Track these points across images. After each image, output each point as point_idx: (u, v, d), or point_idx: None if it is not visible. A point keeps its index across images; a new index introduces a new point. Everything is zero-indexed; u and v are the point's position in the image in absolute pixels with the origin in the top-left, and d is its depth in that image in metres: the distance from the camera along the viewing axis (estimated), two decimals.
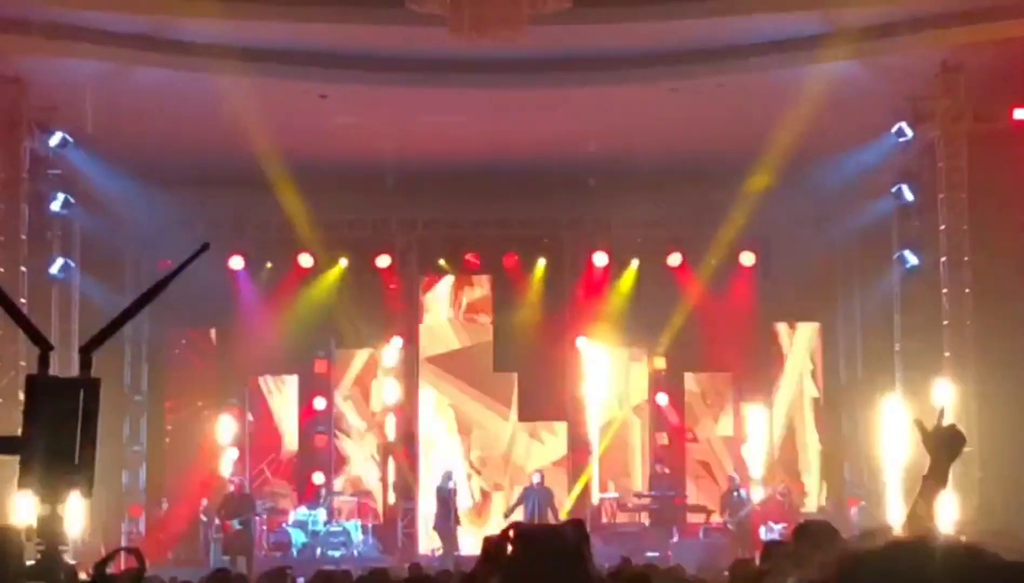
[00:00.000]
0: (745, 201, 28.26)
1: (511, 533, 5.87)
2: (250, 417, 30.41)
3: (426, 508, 29.31)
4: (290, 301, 29.99)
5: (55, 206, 26.19)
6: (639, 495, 30.09)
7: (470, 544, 25.88)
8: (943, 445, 5.74)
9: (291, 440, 30.58)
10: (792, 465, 30.27)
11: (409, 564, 19.14)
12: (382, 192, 28.89)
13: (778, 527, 26.27)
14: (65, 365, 17.56)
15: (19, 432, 3.78)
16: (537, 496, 27.63)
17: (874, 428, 28.72)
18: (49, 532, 3.70)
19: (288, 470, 30.50)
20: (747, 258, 30.24)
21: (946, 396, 24.51)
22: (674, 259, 30.31)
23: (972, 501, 23.79)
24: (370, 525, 29.13)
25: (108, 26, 22.70)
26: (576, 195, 28.87)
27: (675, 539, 28.18)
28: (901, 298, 27.52)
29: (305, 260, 30.23)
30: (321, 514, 28.58)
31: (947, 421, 5.65)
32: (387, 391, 30.58)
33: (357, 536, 28.35)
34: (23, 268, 24.42)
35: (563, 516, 26.91)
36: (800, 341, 30.80)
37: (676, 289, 30.11)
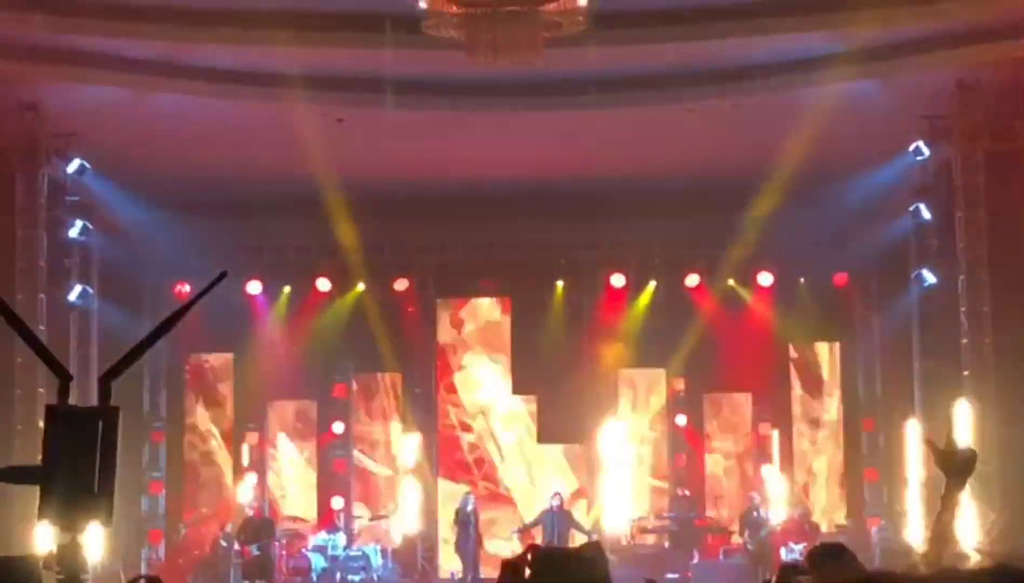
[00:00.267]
0: (760, 222, 28.24)
1: (529, 556, 5.88)
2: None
3: (445, 531, 29.28)
4: (308, 325, 30.01)
5: (73, 233, 26.28)
6: (659, 516, 30.02)
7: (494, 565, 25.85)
8: (956, 465, 5.74)
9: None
10: (811, 485, 30.18)
11: None
12: (399, 216, 28.91)
13: (798, 547, 26.17)
14: (84, 392, 17.59)
15: (39, 462, 3.81)
16: (556, 518, 27.57)
17: (894, 447, 28.68)
18: (69, 561, 3.72)
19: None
20: (765, 278, 30.20)
21: (965, 415, 24.49)
22: (692, 280, 30.30)
23: (992, 519, 23.72)
24: (389, 549, 29.09)
25: (125, 52, 22.79)
26: (593, 216, 28.86)
27: (695, 560, 28.11)
28: (920, 317, 27.48)
29: (323, 284, 30.27)
30: (341, 538, 28.56)
31: (962, 439, 5.66)
32: (406, 413, 30.57)
33: (377, 560, 28.32)
34: (42, 295, 24.51)
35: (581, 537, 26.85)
36: (819, 361, 30.72)
37: (694, 310, 30.09)
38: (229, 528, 28.59)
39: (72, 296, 26.35)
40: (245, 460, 30.16)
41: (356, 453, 30.71)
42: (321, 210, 28.00)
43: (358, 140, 25.58)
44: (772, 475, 29.96)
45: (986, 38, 22.53)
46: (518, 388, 30.76)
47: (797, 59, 23.41)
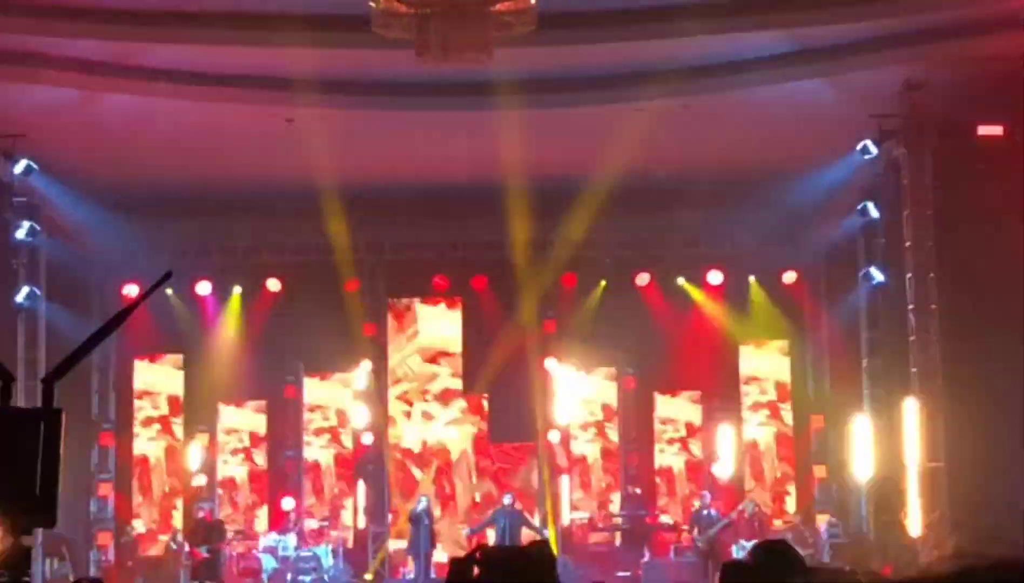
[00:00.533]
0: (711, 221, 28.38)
1: (478, 554, 5.89)
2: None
3: (397, 532, 29.28)
4: (258, 326, 29.93)
5: (20, 234, 26.14)
6: (609, 515, 30.09)
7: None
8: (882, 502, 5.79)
9: None
10: (761, 483, 30.30)
11: None
12: (350, 216, 28.85)
13: (749, 545, 26.24)
14: (33, 395, 17.52)
15: None
16: (507, 518, 27.58)
17: (843, 444, 28.83)
18: (12, 564, 3.69)
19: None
20: (715, 277, 30.31)
21: (913, 412, 24.65)
22: (642, 279, 30.38)
23: (940, 516, 23.87)
24: (340, 549, 29.05)
25: (72, 53, 22.66)
26: (544, 217, 28.87)
27: (646, 558, 28.18)
28: (868, 315, 27.68)
29: (273, 285, 30.21)
30: (291, 539, 28.50)
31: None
32: (356, 415, 30.53)
33: (328, 561, 28.27)
34: None
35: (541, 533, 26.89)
36: (768, 358, 30.84)
37: (644, 309, 30.16)
38: (178, 530, 28.51)
39: (19, 297, 26.21)
40: (195, 462, 30.05)
41: (306, 454, 30.62)
42: (271, 211, 27.97)
43: (307, 140, 25.50)
44: (722, 473, 30.07)
45: (934, 38, 22.66)
46: (469, 388, 30.76)
47: (746, 58, 23.49)
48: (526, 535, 26.93)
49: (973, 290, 24.18)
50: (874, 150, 25.57)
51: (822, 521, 28.64)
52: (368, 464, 30.33)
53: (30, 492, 3.75)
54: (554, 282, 30.44)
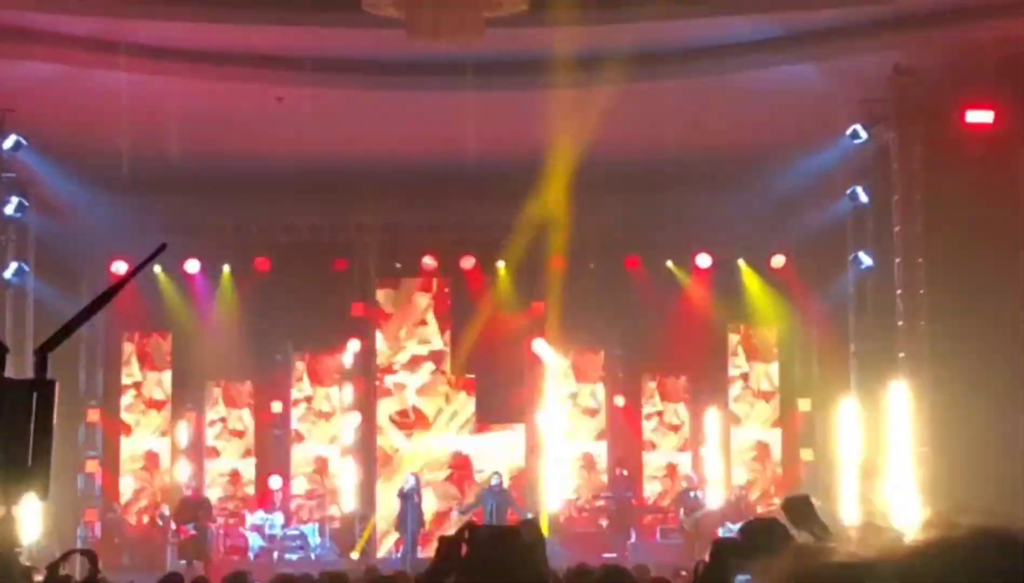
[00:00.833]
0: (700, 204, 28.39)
1: (466, 533, 5.90)
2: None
3: (384, 510, 29.31)
4: (247, 305, 29.90)
5: (9, 210, 26.10)
6: (596, 497, 30.14)
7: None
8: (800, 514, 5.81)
9: None
10: (748, 465, 30.35)
11: (366, 566, 19.11)
12: (339, 195, 28.84)
13: (735, 527, 26.31)
14: (19, 371, 17.45)
15: None
16: (495, 498, 27.62)
17: (830, 428, 28.87)
18: (3, 534, 3.69)
19: None
20: (703, 260, 30.32)
21: (900, 396, 24.71)
22: (631, 262, 30.38)
23: (927, 500, 23.92)
24: (327, 528, 29.08)
25: (62, 28, 22.61)
26: (533, 198, 28.83)
27: (632, 540, 28.24)
28: (856, 299, 27.71)
29: (262, 264, 30.18)
30: (278, 517, 28.53)
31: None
32: (345, 394, 30.55)
33: (315, 539, 28.32)
34: None
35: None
36: (756, 342, 30.87)
37: (633, 292, 30.18)
38: (165, 508, 28.53)
39: (7, 273, 26.17)
40: (183, 440, 30.06)
41: (294, 433, 30.63)
42: (260, 189, 27.95)
43: (298, 119, 25.48)
44: (709, 456, 30.13)
45: (923, 22, 22.68)
46: (457, 368, 30.77)
47: (736, 42, 23.49)
48: (514, 515, 26.97)
49: (962, 275, 24.22)
50: (863, 135, 25.59)
51: None
52: (356, 443, 30.33)
53: (22, 462, 3.75)
54: (543, 264, 30.42)
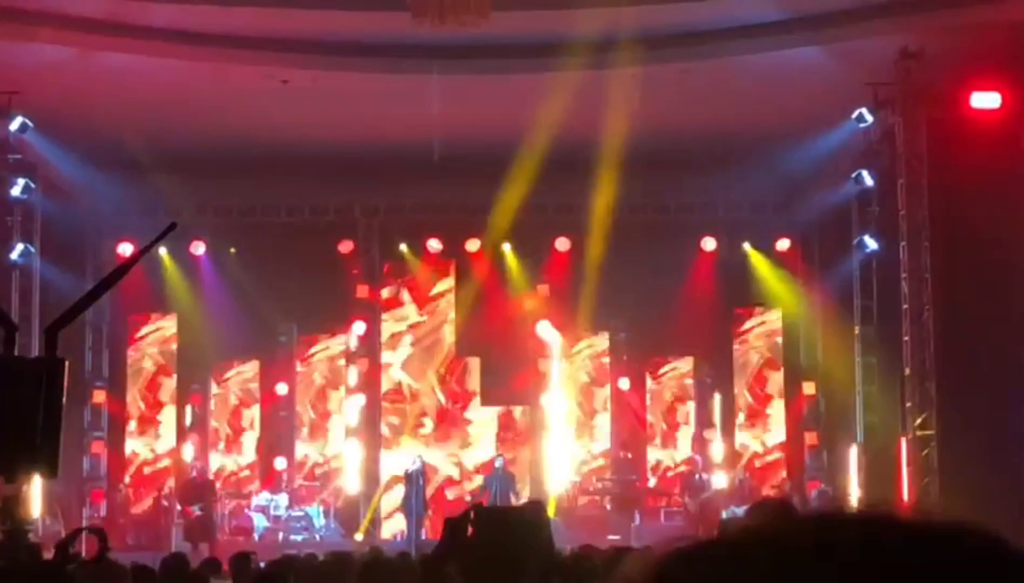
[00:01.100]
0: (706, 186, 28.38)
1: (471, 514, 5.92)
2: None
3: (388, 492, 29.38)
4: (252, 286, 29.90)
5: (15, 191, 26.12)
6: (601, 478, 30.17)
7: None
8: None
9: None
10: (753, 448, 30.37)
11: (370, 547, 19.15)
12: (344, 177, 28.85)
13: (740, 510, 26.36)
14: (25, 351, 17.47)
15: None
16: (500, 481, 27.68)
17: (834, 412, 28.90)
18: (13, 512, 3.71)
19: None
20: (708, 243, 30.32)
21: (904, 381, 24.72)
22: (637, 244, 30.34)
23: (932, 486, 23.95)
24: (332, 509, 29.14)
25: (67, 10, 22.61)
26: (539, 180, 28.83)
27: (637, 522, 28.27)
28: (861, 282, 27.70)
29: (266, 246, 30.16)
30: (283, 498, 28.58)
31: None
32: (349, 376, 30.59)
33: (319, 520, 28.38)
34: None
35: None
36: (761, 325, 30.87)
37: (639, 274, 30.14)
38: (170, 489, 28.59)
39: (14, 255, 26.19)
40: (188, 421, 30.12)
41: (299, 414, 30.69)
42: (266, 171, 27.95)
43: (303, 101, 25.48)
44: (714, 439, 30.15)
45: (930, 5, 22.65)
46: (462, 350, 30.80)
47: (742, 25, 23.46)
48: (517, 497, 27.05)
49: (967, 259, 24.21)
50: (869, 118, 25.56)
51: (812, 489, 28.71)
52: (360, 425, 30.37)
53: (31, 441, 3.77)
54: (548, 246, 30.44)
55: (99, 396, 29.97)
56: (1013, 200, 23.52)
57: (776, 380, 30.66)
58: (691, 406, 30.72)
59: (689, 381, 30.80)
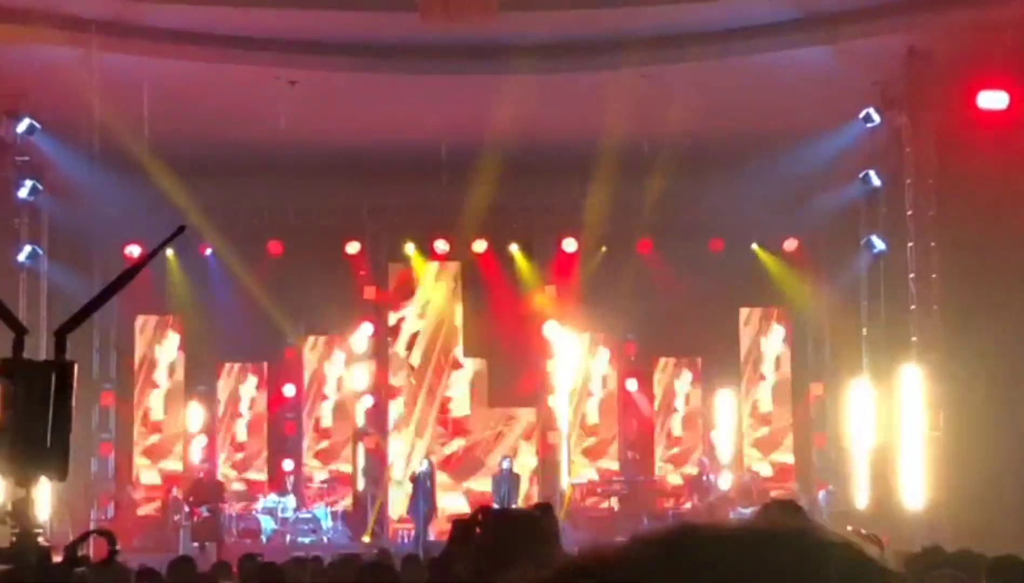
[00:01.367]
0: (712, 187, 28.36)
1: (479, 516, 5.92)
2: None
3: (396, 494, 29.37)
4: (259, 288, 29.91)
5: (23, 193, 26.15)
6: (609, 480, 30.16)
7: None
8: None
9: None
10: (761, 450, 30.35)
11: (378, 550, 19.15)
12: (352, 179, 28.86)
13: (747, 511, 26.35)
14: (32, 353, 17.44)
15: None
16: (507, 482, 27.67)
17: (842, 412, 28.88)
18: (23, 515, 3.71)
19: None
20: (716, 244, 30.29)
21: (912, 380, 24.70)
22: (643, 245, 30.35)
23: (939, 485, 23.92)
24: (340, 511, 29.14)
25: (75, 12, 22.63)
26: (547, 181, 28.86)
27: (645, 523, 28.24)
28: (868, 283, 27.68)
29: (274, 247, 30.20)
30: (291, 501, 28.59)
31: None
32: (357, 377, 30.59)
33: (327, 522, 28.38)
34: None
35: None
36: (768, 326, 30.85)
37: (645, 275, 30.15)
38: (178, 491, 28.58)
39: (21, 256, 26.22)
40: (195, 422, 30.14)
41: (306, 416, 30.69)
42: (273, 172, 27.96)
43: (311, 102, 25.49)
44: (721, 440, 30.13)
45: (938, 5, 22.64)
46: (469, 351, 30.79)
47: (750, 25, 23.46)
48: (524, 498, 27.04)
49: (974, 259, 24.19)
50: (877, 118, 25.56)
51: (820, 489, 28.69)
52: (368, 426, 30.39)
53: (41, 444, 3.77)
54: (555, 247, 30.45)
55: (107, 398, 30.00)
56: (1021, 199, 23.48)
57: (784, 381, 30.63)
58: (698, 406, 30.68)
59: (696, 382, 30.77)
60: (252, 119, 26.30)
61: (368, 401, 30.46)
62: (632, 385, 30.73)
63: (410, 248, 30.73)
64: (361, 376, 30.54)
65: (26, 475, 3.79)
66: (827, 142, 26.51)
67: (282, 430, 30.53)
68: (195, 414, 30.16)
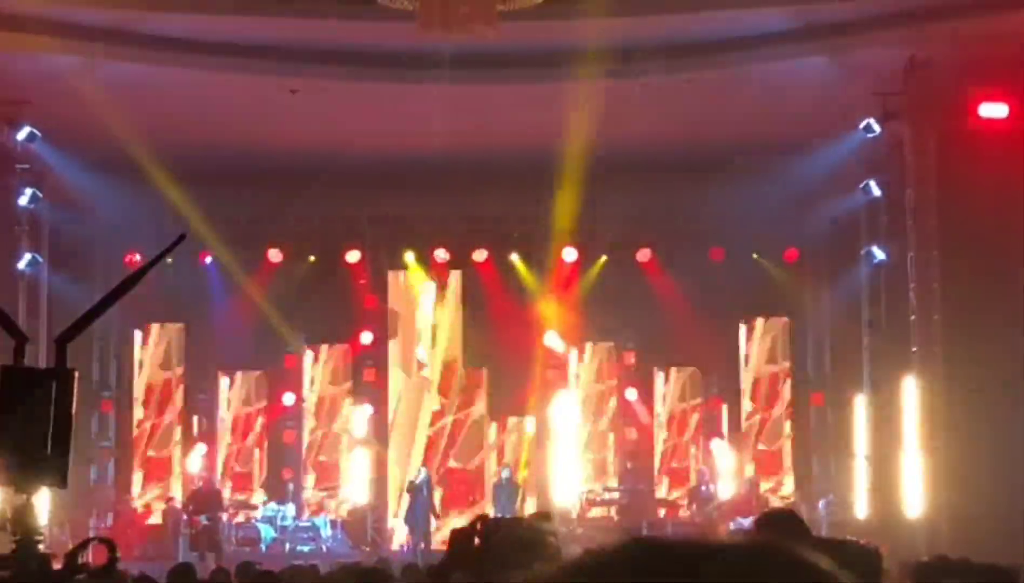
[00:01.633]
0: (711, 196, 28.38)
1: (478, 525, 5.91)
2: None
3: (396, 503, 29.35)
4: (259, 296, 29.92)
5: (23, 201, 26.14)
6: (608, 489, 30.14)
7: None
8: None
9: None
10: (760, 460, 30.33)
11: (376, 559, 19.14)
12: (352, 187, 28.87)
13: (746, 521, 26.32)
14: (32, 361, 17.41)
15: None
16: (506, 492, 27.67)
17: (842, 422, 28.86)
18: (24, 522, 3.71)
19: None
20: (716, 253, 30.27)
21: (913, 391, 24.69)
22: (643, 255, 30.35)
23: (939, 495, 23.90)
24: (339, 520, 29.12)
25: (76, 20, 22.64)
26: (546, 190, 28.85)
27: (644, 533, 28.20)
28: (869, 293, 27.66)
29: (275, 255, 30.21)
30: (290, 509, 28.57)
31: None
32: (356, 385, 30.57)
33: (326, 531, 28.36)
34: None
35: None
36: (769, 336, 30.83)
37: (645, 284, 30.16)
38: (178, 499, 28.57)
39: (21, 264, 26.20)
40: (195, 431, 30.13)
41: (306, 424, 30.68)
42: (274, 181, 27.98)
43: (311, 111, 25.50)
44: (721, 450, 30.12)
45: (939, 15, 22.63)
46: (469, 361, 30.78)
47: (750, 35, 23.46)
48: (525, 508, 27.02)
49: (975, 269, 24.17)
50: (877, 128, 25.55)
51: (820, 499, 28.67)
52: (368, 436, 30.37)
53: (41, 451, 3.77)
54: (555, 257, 30.44)
55: (106, 406, 29.99)
56: (1021, 210, 23.47)
57: (784, 390, 30.61)
58: (698, 416, 30.67)
59: (696, 391, 30.75)
60: (252, 127, 26.30)
61: (368, 410, 30.44)
62: (632, 395, 30.71)
63: (410, 257, 30.73)
64: (361, 384, 30.51)
65: (27, 482, 3.78)
66: (828, 152, 26.50)
67: (282, 438, 30.51)
68: (194, 422, 30.14)
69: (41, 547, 3.88)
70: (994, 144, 23.63)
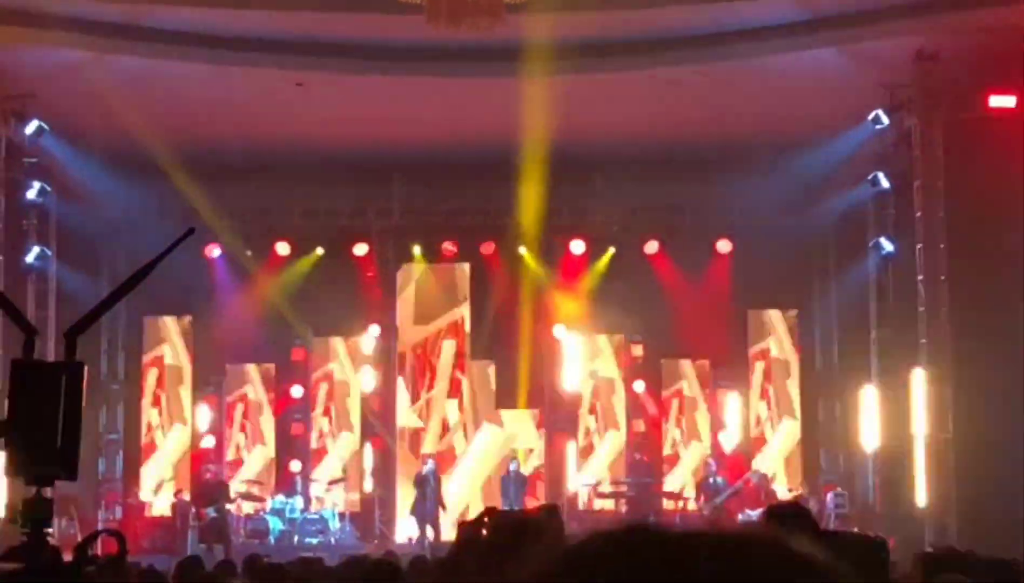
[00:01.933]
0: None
1: (486, 518, 5.91)
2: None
3: (404, 495, 29.34)
4: (267, 289, 29.95)
5: (31, 194, 26.18)
6: (616, 482, 30.13)
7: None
8: None
9: None
10: (768, 451, 30.31)
11: (384, 551, 19.14)
12: (359, 180, 28.88)
13: (755, 514, 26.31)
14: (40, 354, 17.49)
15: (3, 416, 3.81)
16: (514, 484, 27.67)
17: (850, 415, 28.84)
18: (35, 517, 3.72)
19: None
20: (724, 245, 30.26)
21: (921, 383, 24.68)
22: (651, 246, 30.34)
23: (947, 488, 23.90)
24: (347, 513, 29.13)
25: (84, 14, 22.66)
26: (554, 183, 28.84)
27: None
28: (877, 285, 27.65)
29: (282, 248, 30.23)
30: (298, 502, 28.58)
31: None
32: (364, 379, 30.58)
33: (334, 523, 28.36)
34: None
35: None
36: (777, 328, 30.81)
37: (653, 276, 30.14)
38: (186, 492, 28.60)
39: (29, 258, 26.24)
40: (203, 423, 30.15)
41: (314, 417, 30.69)
42: (281, 174, 27.99)
43: (318, 104, 25.51)
44: (729, 442, 30.10)
45: (946, 7, 22.61)
46: (476, 354, 30.78)
47: (758, 27, 23.45)
48: (532, 500, 27.02)
49: (983, 261, 24.15)
50: (885, 120, 25.53)
51: (828, 492, 28.66)
52: (375, 427, 30.39)
53: (52, 444, 3.78)
54: (563, 249, 30.44)
55: (114, 399, 30.02)
56: None
57: (792, 383, 30.60)
58: (706, 409, 30.65)
59: (704, 384, 30.74)
60: (259, 120, 26.32)
61: (375, 402, 30.46)
62: (639, 386, 30.69)
63: (417, 250, 30.73)
64: (368, 377, 30.54)
65: (37, 475, 3.79)
66: (836, 144, 26.48)
67: (290, 431, 30.53)
68: (202, 415, 30.17)
69: (50, 539, 3.88)
70: (1003, 135, 23.61)
